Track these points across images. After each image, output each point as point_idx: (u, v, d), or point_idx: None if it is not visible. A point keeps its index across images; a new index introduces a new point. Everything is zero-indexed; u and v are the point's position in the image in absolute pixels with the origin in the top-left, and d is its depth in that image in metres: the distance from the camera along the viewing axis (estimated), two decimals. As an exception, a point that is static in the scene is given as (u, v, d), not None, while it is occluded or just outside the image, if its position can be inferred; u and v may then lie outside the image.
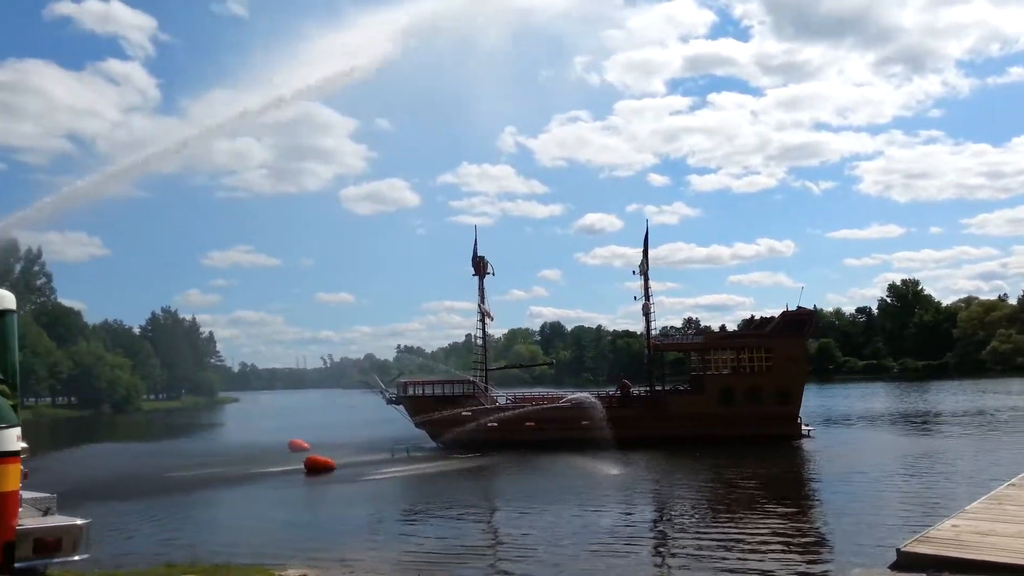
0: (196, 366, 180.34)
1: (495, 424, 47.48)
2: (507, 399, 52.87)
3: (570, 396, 52.07)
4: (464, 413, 48.37)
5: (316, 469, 38.43)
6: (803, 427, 47.47)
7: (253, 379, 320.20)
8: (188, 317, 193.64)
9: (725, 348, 50.55)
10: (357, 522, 25.19)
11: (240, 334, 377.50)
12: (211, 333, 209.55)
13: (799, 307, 50.47)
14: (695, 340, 56.16)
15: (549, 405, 50.28)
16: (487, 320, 55.49)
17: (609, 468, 36.39)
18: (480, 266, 54.44)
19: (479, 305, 54.68)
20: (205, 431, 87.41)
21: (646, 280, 53.09)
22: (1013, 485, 15.10)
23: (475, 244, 55.24)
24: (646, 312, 53.33)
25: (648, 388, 53.52)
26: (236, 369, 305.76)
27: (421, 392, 52.26)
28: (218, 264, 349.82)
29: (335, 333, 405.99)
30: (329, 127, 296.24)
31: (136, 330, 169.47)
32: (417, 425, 50.74)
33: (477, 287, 54.62)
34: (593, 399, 49.69)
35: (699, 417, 47.09)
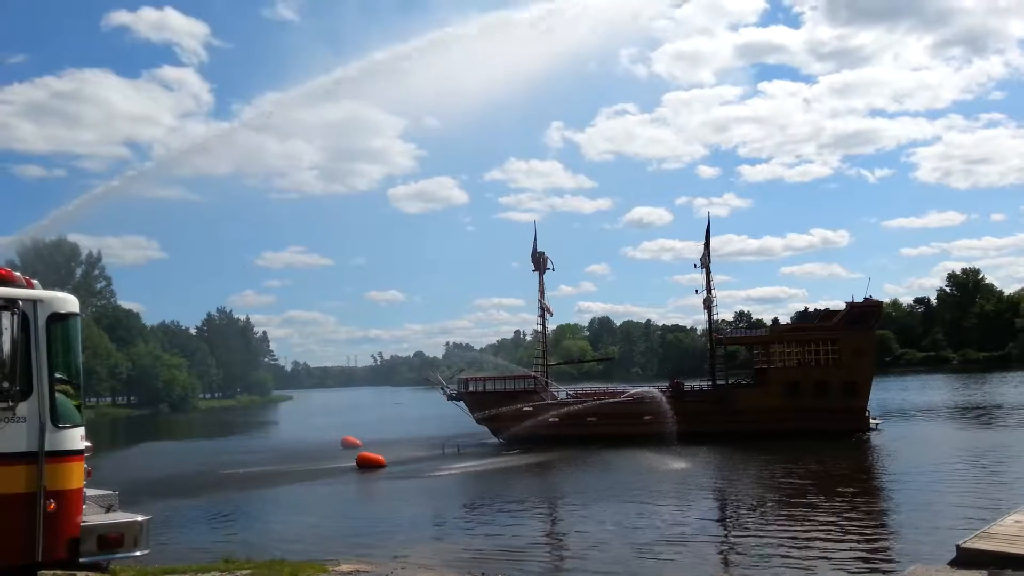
0: (250, 365, 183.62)
1: (556, 419, 47.18)
2: (567, 394, 52.74)
3: (632, 391, 51.78)
4: (525, 408, 48.35)
5: (368, 466, 38.91)
6: (871, 421, 46.52)
7: (305, 378, 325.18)
8: (243, 317, 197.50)
9: (790, 341, 49.88)
10: (409, 518, 25.41)
11: (293, 333, 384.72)
12: (264, 333, 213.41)
13: (865, 298, 49.55)
14: (759, 333, 54.98)
15: (611, 400, 50.05)
16: (547, 315, 55.65)
17: (671, 463, 36.13)
18: (540, 262, 54.55)
19: (539, 300, 54.83)
20: (260, 429, 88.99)
21: (708, 273, 52.68)
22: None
23: (535, 240, 55.47)
24: (708, 305, 52.93)
25: (710, 382, 52.90)
26: (289, 368, 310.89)
27: (483, 388, 52.46)
28: (272, 265, 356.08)
29: (385, 331, 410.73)
30: (378, 127, 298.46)
31: (192, 331, 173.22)
32: (478, 421, 50.78)
33: (537, 283, 54.74)
34: (657, 393, 49.32)
35: (764, 411, 46.34)
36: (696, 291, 53.21)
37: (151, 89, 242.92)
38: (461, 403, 51.98)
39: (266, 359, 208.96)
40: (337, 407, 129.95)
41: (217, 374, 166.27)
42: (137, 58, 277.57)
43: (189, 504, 28.82)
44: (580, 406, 48.89)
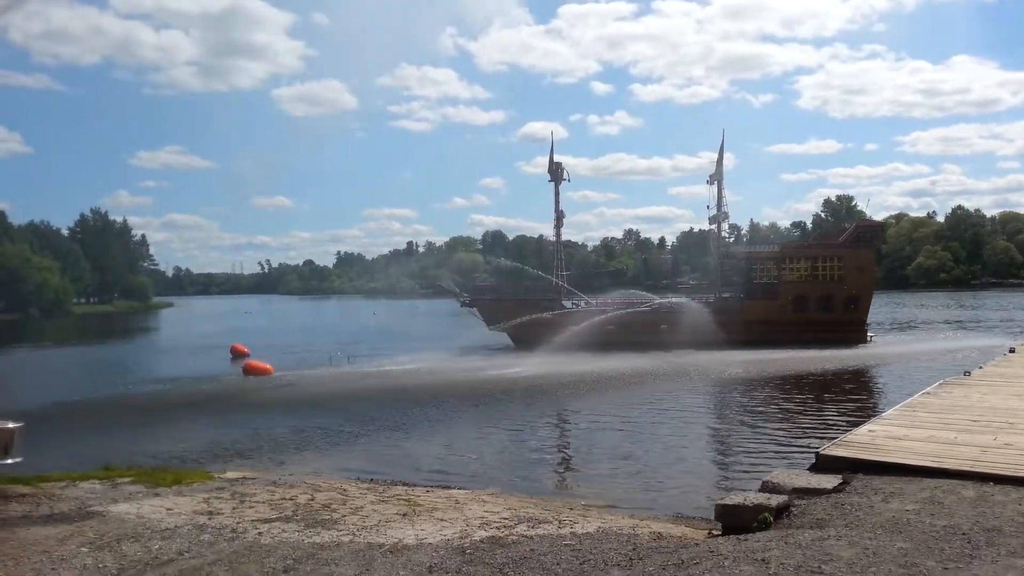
0: (128, 270, 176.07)
1: (577, 327, 46.73)
2: (585, 303, 53.06)
3: (656, 301, 53.02)
4: (546, 316, 48.67)
5: (255, 374, 38.37)
6: (868, 334, 49.18)
7: (187, 284, 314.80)
8: (119, 219, 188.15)
9: (800, 258, 51.80)
10: (297, 428, 25.09)
11: (174, 238, 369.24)
12: (143, 236, 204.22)
13: (868, 219, 51.20)
14: (772, 249, 56.72)
15: (631, 309, 50.88)
16: (562, 224, 56.15)
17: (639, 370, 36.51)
18: (556, 172, 54.44)
19: (556, 210, 54.98)
20: (141, 336, 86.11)
21: (720, 189, 53.91)
22: (928, 393, 15.90)
23: (551, 150, 55.11)
24: (718, 220, 54.54)
25: (721, 295, 54.28)
26: (170, 274, 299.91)
27: (500, 296, 52.61)
28: (148, 164, 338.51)
29: (272, 238, 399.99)
30: (262, 21, 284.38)
31: (64, 232, 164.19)
32: (492, 328, 51.02)
33: (553, 192, 54.60)
34: (684, 300, 51.11)
35: (773, 323, 48.43)
36: (707, 207, 54.86)
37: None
38: (475, 310, 51.94)
39: (145, 264, 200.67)
40: (223, 314, 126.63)
41: (92, 278, 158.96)
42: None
43: (68, 414, 27.67)
44: (604, 315, 49.32)
